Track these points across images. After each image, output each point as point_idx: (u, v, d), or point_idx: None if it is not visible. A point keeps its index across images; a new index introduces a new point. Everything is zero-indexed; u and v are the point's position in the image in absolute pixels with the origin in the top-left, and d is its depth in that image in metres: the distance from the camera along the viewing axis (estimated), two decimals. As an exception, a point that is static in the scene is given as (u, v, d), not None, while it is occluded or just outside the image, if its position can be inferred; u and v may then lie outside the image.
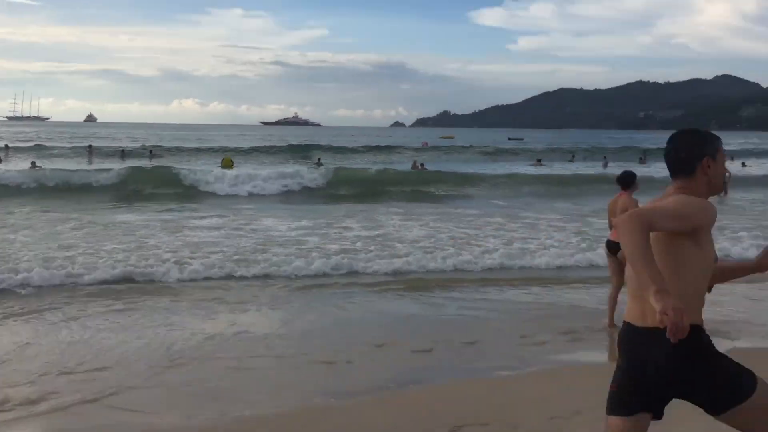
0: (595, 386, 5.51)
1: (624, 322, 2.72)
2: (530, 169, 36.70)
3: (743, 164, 39.92)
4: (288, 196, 22.55)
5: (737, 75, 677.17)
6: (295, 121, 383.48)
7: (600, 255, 11.40)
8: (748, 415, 2.59)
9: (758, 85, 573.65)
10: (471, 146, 61.95)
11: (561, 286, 9.84)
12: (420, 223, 15.77)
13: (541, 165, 42.46)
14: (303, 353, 6.56)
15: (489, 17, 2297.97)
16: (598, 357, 6.67)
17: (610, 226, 7.61)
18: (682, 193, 2.67)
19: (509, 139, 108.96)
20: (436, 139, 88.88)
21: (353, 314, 8.26)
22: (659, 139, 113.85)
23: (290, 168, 30.51)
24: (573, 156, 52.37)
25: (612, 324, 7.31)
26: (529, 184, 26.78)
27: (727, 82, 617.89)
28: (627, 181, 7.55)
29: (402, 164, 38.67)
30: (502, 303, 8.83)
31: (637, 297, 2.63)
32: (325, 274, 10.18)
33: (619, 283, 7.33)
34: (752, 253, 11.75)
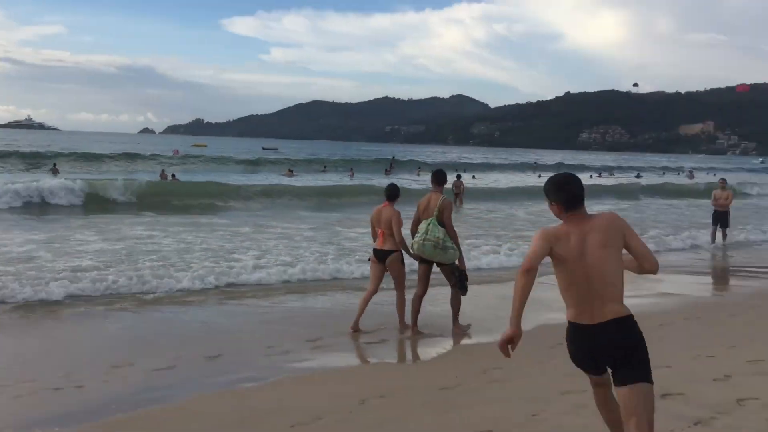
0: (337, 391, 5.71)
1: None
2: (284, 179, 37.07)
3: (473, 177, 45.08)
4: (19, 208, 20.20)
5: (469, 95, 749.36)
6: (28, 125, 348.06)
7: (348, 263, 11.89)
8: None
9: (487, 105, 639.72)
10: (223, 156, 60.96)
11: (309, 294, 10.02)
12: (166, 234, 15.14)
13: (293, 175, 43.12)
14: (26, 381, 5.93)
15: (242, 26, 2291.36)
16: (341, 362, 6.88)
17: (374, 236, 7.99)
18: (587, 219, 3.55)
19: (264, 148, 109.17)
20: (188, 147, 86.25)
21: (84, 336, 7.64)
22: (406, 151, 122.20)
23: (24, 177, 27.58)
24: (325, 167, 54.03)
25: (411, 326, 7.88)
26: (281, 195, 26.97)
27: (461, 101, 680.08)
28: (393, 193, 8.02)
29: (151, 174, 36.91)
30: (246, 315, 8.76)
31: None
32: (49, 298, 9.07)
33: (375, 289, 7.96)
34: (488, 260, 13.01)
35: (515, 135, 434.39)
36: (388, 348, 7.46)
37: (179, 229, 15.94)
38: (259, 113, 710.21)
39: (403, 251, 7.91)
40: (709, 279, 13.12)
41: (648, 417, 3.34)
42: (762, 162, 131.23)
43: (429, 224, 7.63)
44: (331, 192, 29.29)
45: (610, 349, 3.41)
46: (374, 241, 8.02)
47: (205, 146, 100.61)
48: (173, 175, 32.10)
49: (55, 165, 37.58)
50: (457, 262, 7.75)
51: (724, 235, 17.00)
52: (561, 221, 3.57)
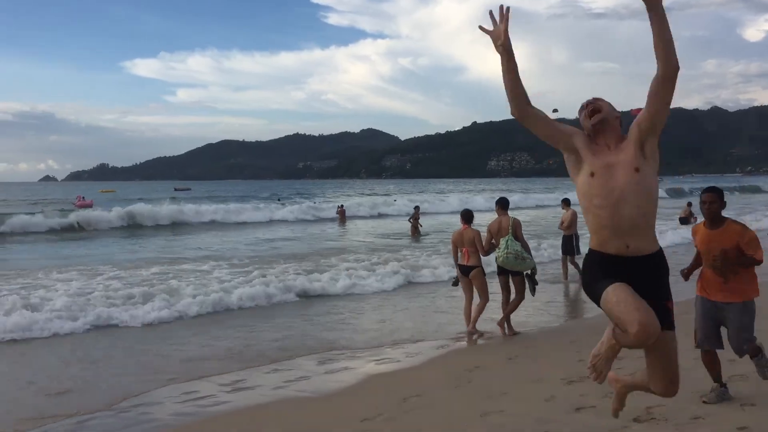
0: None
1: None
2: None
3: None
4: None
5: (380, 128, 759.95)
6: None
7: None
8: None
9: (397, 138, 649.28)
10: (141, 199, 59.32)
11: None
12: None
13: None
14: None
15: (144, 68, 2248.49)
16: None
17: (456, 255, 9.41)
18: None
19: (175, 189, 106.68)
20: (96, 194, 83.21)
21: None
22: (318, 186, 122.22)
23: None
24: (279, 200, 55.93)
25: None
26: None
27: (372, 135, 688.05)
28: (470, 216, 9.48)
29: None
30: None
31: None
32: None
33: (470, 297, 9.39)
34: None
35: (426, 165, 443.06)
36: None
37: None
38: (168, 155, 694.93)
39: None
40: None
41: None
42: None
43: (507, 241, 8.98)
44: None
45: None
46: (456, 259, 9.42)
47: (114, 192, 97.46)
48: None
49: None
50: (529, 272, 9.12)
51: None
52: None
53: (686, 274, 5.55)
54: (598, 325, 5.52)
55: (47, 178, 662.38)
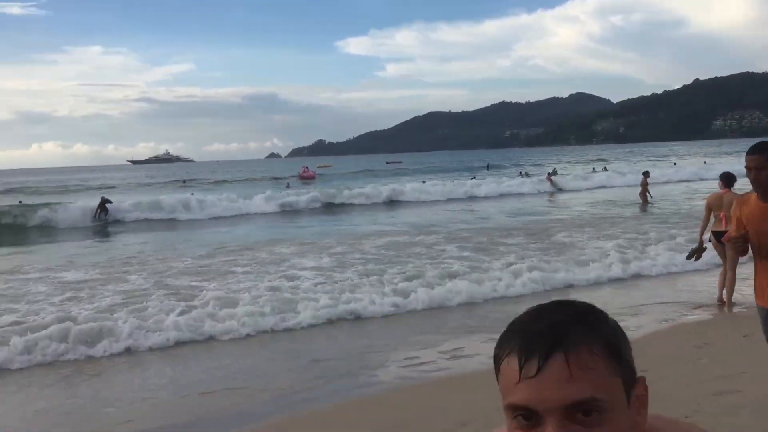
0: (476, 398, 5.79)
1: None
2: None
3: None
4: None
5: (590, 92, 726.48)
6: (166, 158, 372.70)
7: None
8: None
9: (609, 101, 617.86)
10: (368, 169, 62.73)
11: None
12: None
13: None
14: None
15: (356, 46, 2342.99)
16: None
17: (707, 220, 8.96)
18: None
19: (387, 163, 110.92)
20: (315, 169, 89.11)
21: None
22: (524, 155, 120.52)
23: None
24: (488, 166, 57.02)
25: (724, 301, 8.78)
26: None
27: (581, 99, 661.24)
28: (732, 179, 8.92)
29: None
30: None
31: None
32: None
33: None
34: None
35: (641, 128, 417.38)
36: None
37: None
38: (378, 129, 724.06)
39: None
40: None
41: None
42: None
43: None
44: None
45: None
46: (704, 226, 9.04)
47: (331, 166, 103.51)
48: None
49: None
50: None
51: None
52: None
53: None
54: None
55: (272, 155, 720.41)
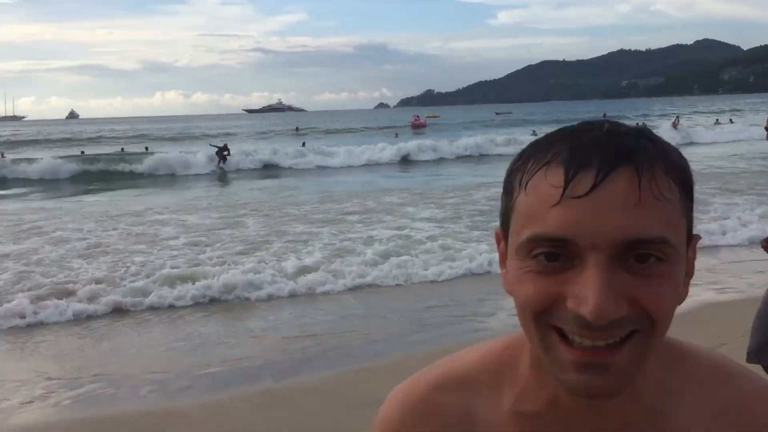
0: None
1: None
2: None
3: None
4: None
5: (718, 39, 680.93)
6: (279, 108, 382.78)
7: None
8: None
9: (739, 48, 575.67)
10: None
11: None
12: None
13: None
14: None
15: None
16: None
17: None
18: None
19: (497, 113, 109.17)
20: (424, 119, 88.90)
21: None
22: (642, 106, 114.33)
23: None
24: (604, 115, 54.53)
25: None
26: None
27: (707, 46, 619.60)
28: None
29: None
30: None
31: None
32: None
33: None
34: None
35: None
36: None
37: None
38: (487, 79, 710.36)
39: None
40: None
41: None
42: None
43: None
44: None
45: None
46: None
47: (438, 117, 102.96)
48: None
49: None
50: None
51: None
52: None
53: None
54: None
55: (381, 105, 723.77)
